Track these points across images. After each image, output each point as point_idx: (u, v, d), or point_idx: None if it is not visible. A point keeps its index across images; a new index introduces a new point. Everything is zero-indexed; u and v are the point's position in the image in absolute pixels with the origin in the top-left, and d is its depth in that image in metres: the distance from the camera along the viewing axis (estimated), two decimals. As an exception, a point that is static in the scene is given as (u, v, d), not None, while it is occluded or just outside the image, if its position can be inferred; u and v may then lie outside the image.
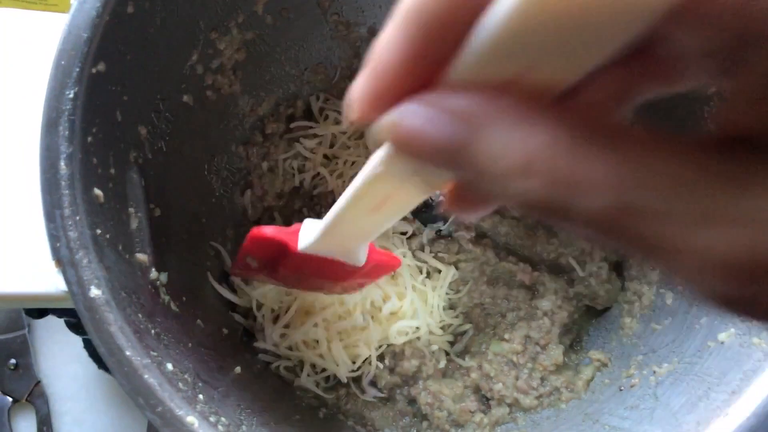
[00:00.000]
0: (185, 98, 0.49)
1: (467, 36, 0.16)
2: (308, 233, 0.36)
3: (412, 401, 0.54)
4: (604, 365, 0.53)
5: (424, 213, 0.55)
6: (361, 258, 0.37)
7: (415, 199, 0.27)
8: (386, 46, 0.18)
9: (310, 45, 0.58)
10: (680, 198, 0.15)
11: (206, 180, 0.54)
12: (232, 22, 0.50)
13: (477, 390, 0.54)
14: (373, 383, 0.55)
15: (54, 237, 0.35)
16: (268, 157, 0.59)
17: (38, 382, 0.62)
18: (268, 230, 0.39)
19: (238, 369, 0.47)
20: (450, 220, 0.56)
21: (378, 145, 0.21)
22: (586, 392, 0.52)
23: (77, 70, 0.37)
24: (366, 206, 0.28)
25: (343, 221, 0.31)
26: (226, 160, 0.56)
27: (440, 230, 0.57)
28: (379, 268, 0.42)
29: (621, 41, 0.15)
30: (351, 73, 0.61)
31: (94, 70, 0.38)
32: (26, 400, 0.62)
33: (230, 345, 0.50)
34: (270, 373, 0.53)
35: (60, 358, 0.64)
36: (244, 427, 0.39)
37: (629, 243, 0.16)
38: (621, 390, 0.48)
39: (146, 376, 0.35)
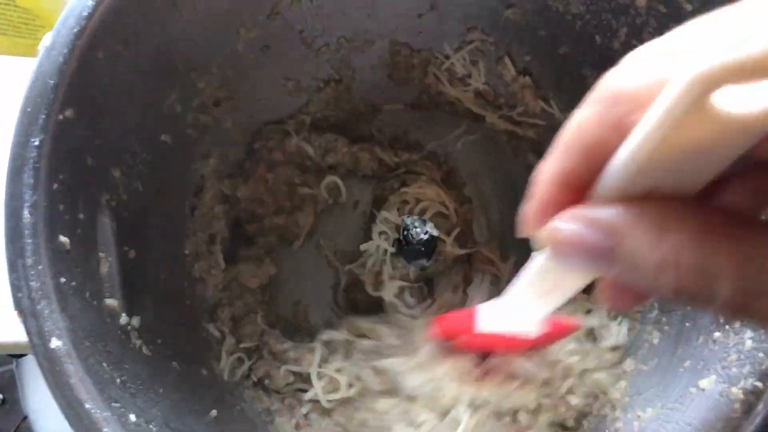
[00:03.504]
0: (164, 137, 0.48)
1: (607, 163, 0.21)
2: (486, 315, 0.41)
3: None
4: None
5: (405, 249, 0.54)
6: (534, 330, 0.40)
7: (579, 285, 0.30)
8: (546, 172, 0.24)
9: (295, 78, 0.58)
10: None
11: (188, 218, 0.54)
12: (212, 61, 0.50)
13: None
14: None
15: (16, 287, 0.35)
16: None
17: (25, 418, 0.62)
18: (448, 318, 0.45)
19: (214, 412, 0.46)
20: (434, 256, 0.55)
21: (541, 248, 0.26)
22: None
23: (43, 117, 0.37)
24: (535, 293, 0.32)
25: (517, 305, 0.35)
26: (209, 197, 0.56)
27: (425, 267, 0.56)
28: (552, 335, 0.44)
29: (724, 163, 0.19)
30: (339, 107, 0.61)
31: (61, 117, 0.38)
32: (13, 435, 0.61)
33: (209, 386, 0.49)
34: (251, 415, 0.52)
35: (47, 393, 0.63)
36: (210, 478, 0.38)
37: (754, 319, 0.20)
38: (606, 434, 0.47)
39: (105, 430, 0.34)
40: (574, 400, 0.50)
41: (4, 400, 0.62)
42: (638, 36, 0.47)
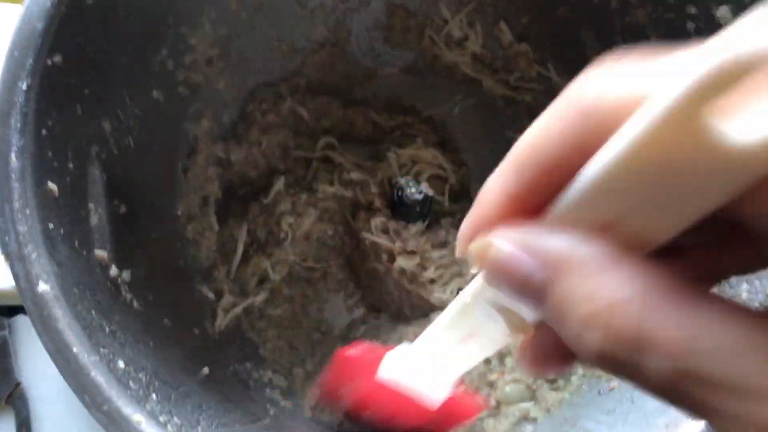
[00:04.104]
0: (155, 94, 0.48)
1: (569, 181, 0.18)
2: (395, 359, 0.36)
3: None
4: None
5: (401, 209, 0.54)
6: (440, 394, 0.36)
7: (498, 340, 0.27)
8: (493, 189, 0.20)
9: (289, 39, 0.57)
10: (738, 369, 0.15)
11: (181, 179, 0.53)
12: (204, 17, 0.49)
13: None
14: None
15: (3, 230, 0.35)
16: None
17: (18, 384, 0.62)
18: (353, 351, 0.39)
19: (206, 370, 0.46)
20: (429, 216, 0.55)
21: (472, 268, 0.22)
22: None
23: (31, 61, 0.36)
24: (455, 336, 0.29)
25: (433, 347, 0.32)
26: (203, 159, 0.55)
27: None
28: (451, 416, 0.39)
29: (710, 204, 0.16)
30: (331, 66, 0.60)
31: (49, 62, 0.37)
32: (6, 402, 0.61)
33: (200, 345, 0.49)
34: (244, 377, 0.52)
35: (41, 360, 0.63)
36: (200, 428, 0.38)
37: (685, 405, 0.16)
38: (600, 394, 0.47)
39: (93, 374, 0.34)
40: None
41: (-4, 366, 0.61)
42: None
